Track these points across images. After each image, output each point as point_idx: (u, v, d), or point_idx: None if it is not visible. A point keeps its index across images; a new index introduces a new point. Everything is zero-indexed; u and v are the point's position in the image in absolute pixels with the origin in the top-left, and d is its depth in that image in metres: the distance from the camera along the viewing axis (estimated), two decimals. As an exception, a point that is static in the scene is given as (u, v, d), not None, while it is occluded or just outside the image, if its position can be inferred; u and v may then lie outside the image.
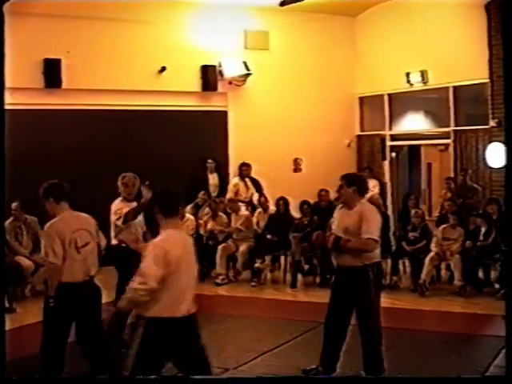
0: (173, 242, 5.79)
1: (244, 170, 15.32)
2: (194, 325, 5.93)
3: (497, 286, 11.58)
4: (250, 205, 14.43)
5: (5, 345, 5.49)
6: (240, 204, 14.43)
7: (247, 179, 15.29)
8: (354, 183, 7.38)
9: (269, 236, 13.30)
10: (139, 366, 5.74)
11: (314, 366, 7.55)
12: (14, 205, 11.82)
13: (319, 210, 13.29)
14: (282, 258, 13.47)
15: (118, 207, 9.05)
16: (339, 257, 7.35)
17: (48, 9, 13.15)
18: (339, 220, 7.45)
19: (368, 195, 13.55)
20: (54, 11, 13.53)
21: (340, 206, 7.58)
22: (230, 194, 15.00)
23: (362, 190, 7.47)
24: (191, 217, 13.97)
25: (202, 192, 14.67)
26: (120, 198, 9.18)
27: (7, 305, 10.29)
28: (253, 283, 12.96)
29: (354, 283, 7.24)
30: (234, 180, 15.39)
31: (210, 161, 15.48)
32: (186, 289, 5.83)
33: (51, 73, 14.01)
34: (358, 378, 7.06)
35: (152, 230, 7.66)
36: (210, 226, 13.86)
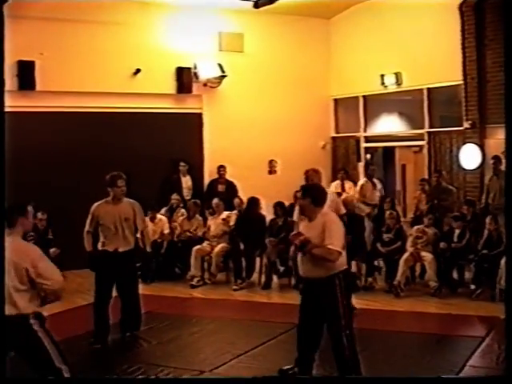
0: None
1: (371, 169, 15.29)
2: None
3: (472, 286, 11.65)
4: (378, 207, 13.99)
5: (5, 343, 5.58)
6: (364, 206, 14.22)
7: (375, 180, 15.13)
8: (307, 194, 7.30)
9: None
10: None
11: (290, 366, 7.58)
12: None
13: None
14: (257, 260, 13.43)
15: None
16: (306, 268, 7.27)
17: (21, 10, 13.04)
18: (303, 232, 7.32)
19: (342, 196, 13.72)
20: (27, 13, 13.43)
21: (301, 217, 7.52)
22: (356, 195, 14.70)
23: (317, 200, 7.28)
24: (163, 217, 14.00)
25: (174, 194, 14.67)
26: None
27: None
28: (234, 286, 12.86)
29: (321, 294, 7.19)
30: (361, 181, 15.11)
31: (182, 164, 15.46)
32: None
33: (25, 75, 13.93)
34: (340, 378, 7.08)
35: None
36: (185, 227, 13.87)
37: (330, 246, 6.97)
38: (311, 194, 7.31)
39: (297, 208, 7.62)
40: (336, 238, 7.05)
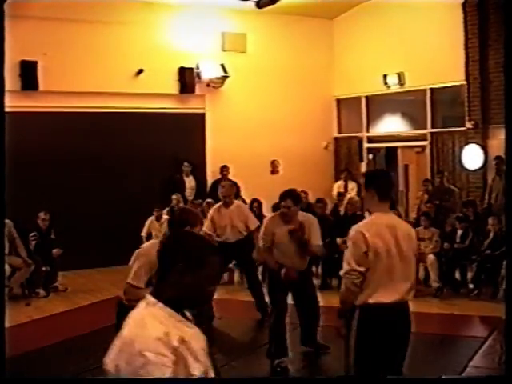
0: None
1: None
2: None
3: (471, 286, 11.66)
4: None
5: (4, 345, 5.45)
6: None
7: None
8: (299, 201, 8.24)
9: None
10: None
11: (279, 360, 8.06)
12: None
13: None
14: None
15: None
16: (298, 263, 8.20)
17: (24, 10, 13.06)
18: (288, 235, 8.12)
19: (347, 197, 13.72)
20: (31, 13, 13.44)
21: (272, 217, 8.39)
22: None
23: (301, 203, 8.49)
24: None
25: (174, 194, 14.51)
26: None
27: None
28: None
29: (305, 279, 8.41)
30: None
31: (185, 164, 15.46)
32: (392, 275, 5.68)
33: (28, 75, 13.93)
34: (346, 378, 7.07)
35: None
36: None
37: (319, 243, 8.28)
38: (301, 200, 8.44)
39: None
40: (319, 235, 8.27)
